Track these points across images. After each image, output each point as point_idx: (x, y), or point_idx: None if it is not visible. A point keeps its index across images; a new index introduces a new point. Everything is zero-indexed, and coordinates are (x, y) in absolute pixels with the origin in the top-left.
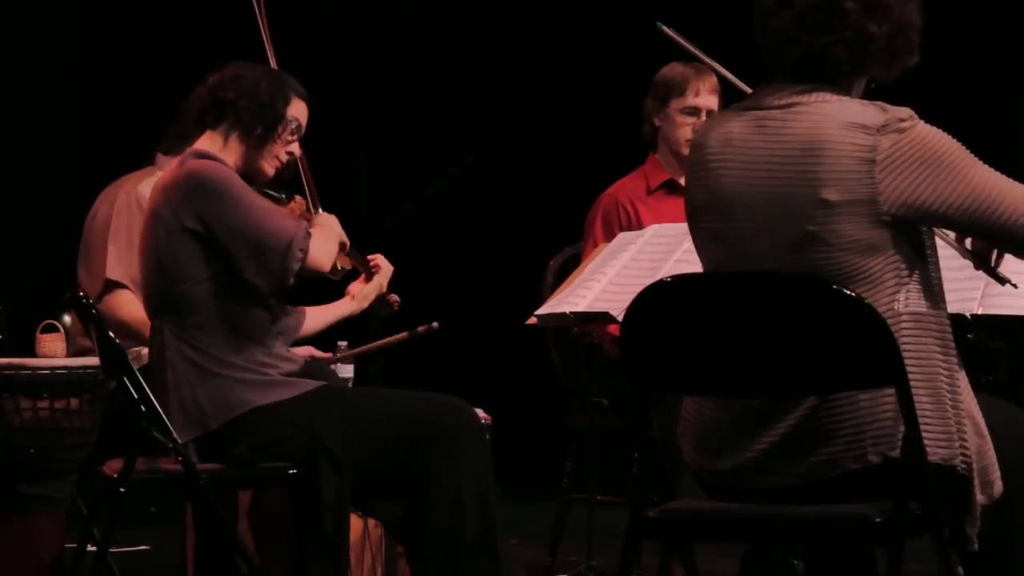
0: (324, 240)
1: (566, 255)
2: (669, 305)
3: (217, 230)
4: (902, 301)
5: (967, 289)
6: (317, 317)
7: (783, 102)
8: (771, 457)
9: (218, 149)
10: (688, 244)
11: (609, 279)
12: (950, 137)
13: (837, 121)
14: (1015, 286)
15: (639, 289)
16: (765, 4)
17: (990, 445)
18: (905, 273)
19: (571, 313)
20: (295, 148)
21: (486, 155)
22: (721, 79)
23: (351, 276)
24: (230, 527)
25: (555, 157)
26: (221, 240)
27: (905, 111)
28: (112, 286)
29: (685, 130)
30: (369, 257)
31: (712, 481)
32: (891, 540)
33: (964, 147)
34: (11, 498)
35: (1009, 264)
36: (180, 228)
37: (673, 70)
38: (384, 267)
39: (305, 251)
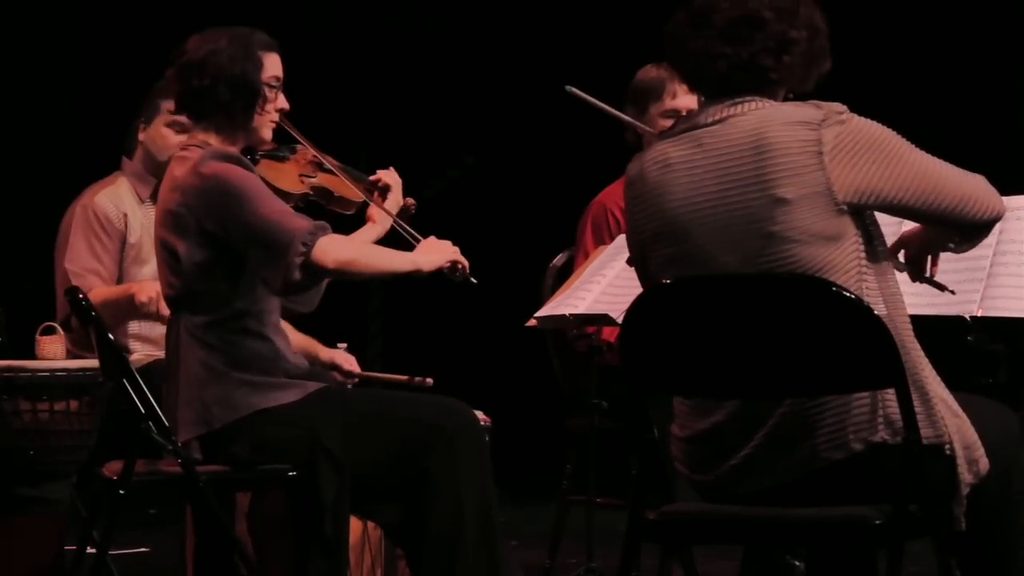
0: (344, 241)
1: (566, 257)
2: (668, 307)
3: (234, 232)
4: (865, 285)
5: (967, 292)
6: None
7: (717, 117)
8: (757, 459)
9: (214, 138)
10: None
11: (609, 281)
12: (886, 127)
13: (777, 121)
14: (952, 292)
15: (638, 291)
16: (680, 31)
17: (968, 424)
18: (864, 260)
19: (571, 315)
20: (282, 102)
21: (486, 157)
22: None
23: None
24: (229, 529)
25: (555, 159)
26: (237, 242)
27: (839, 105)
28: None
29: None
30: (373, 177)
31: (707, 493)
32: (891, 542)
33: (902, 136)
34: (11, 500)
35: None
36: (199, 230)
37: (648, 74)
38: (394, 183)
39: (310, 246)
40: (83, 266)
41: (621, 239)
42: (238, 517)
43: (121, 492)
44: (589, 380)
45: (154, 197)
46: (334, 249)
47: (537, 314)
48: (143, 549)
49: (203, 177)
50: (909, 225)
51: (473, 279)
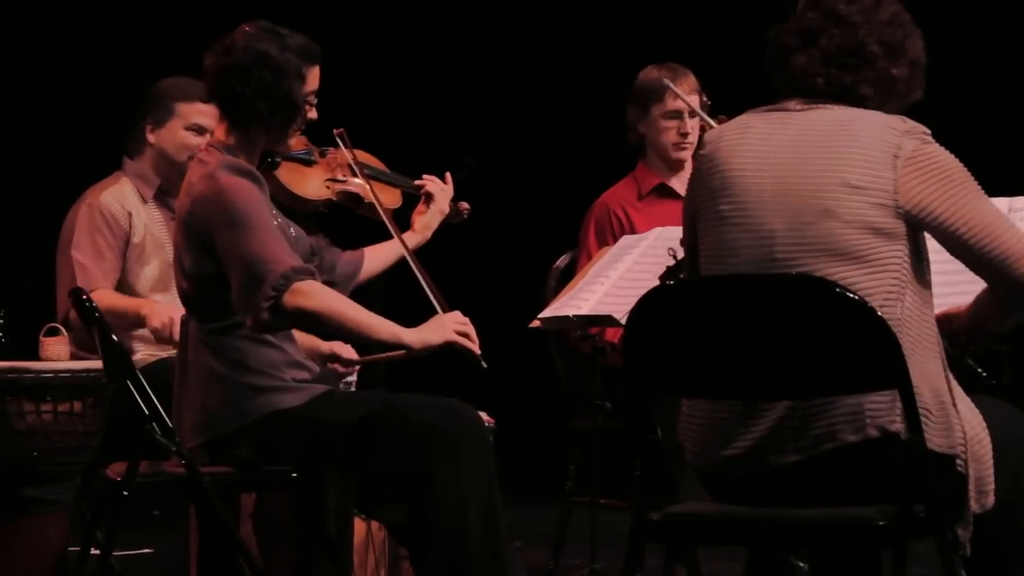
0: (323, 291)
1: (569, 258)
2: (673, 308)
3: (221, 254)
4: (905, 293)
5: (969, 293)
6: (379, 256)
7: (805, 107)
8: (772, 434)
9: (239, 139)
10: None
11: (612, 282)
12: (962, 164)
13: (865, 119)
14: (984, 374)
15: (642, 292)
16: (787, 43)
17: (990, 457)
18: (907, 269)
19: (574, 316)
20: (312, 114)
21: (488, 158)
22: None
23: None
24: (233, 530)
25: (559, 160)
26: (223, 264)
27: (924, 127)
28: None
29: (670, 134)
30: (418, 182)
31: (714, 473)
32: (894, 543)
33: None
34: (14, 501)
35: None
36: (201, 243)
37: (649, 75)
38: (437, 191)
39: (282, 289)
40: (90, 261)
41: (625, 240)
42: (243, 518)
43: (125, 493)
44: (593, 381)
45: (158, 197)
46: (309, 296)
47: (540, 315)
48: (147, 550)
49: (212, 189)
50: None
51: (484, 363)
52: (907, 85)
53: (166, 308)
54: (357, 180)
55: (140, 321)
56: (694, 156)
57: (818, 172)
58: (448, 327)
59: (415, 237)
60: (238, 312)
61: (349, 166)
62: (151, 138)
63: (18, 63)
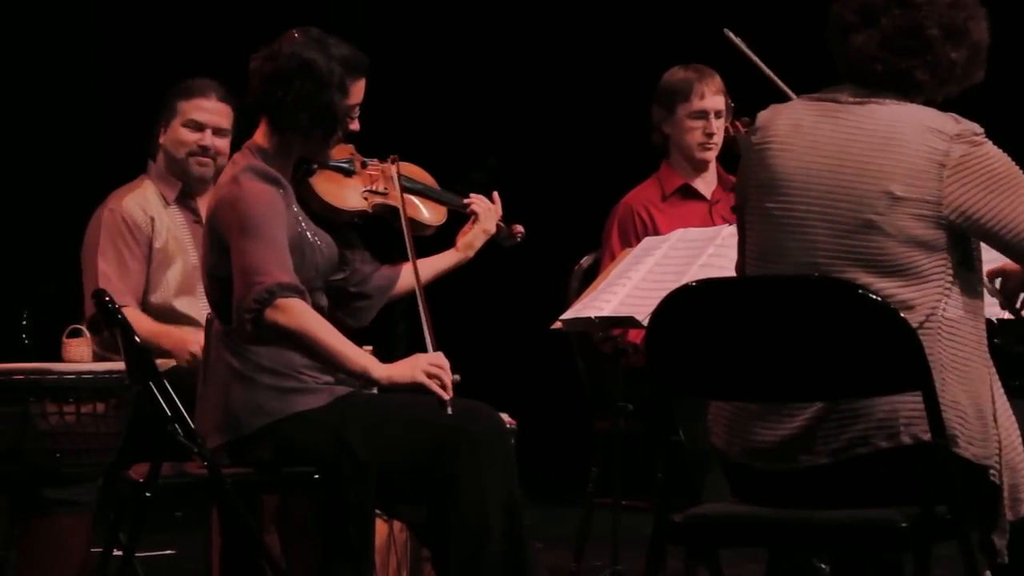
0: (305, 312)
1: (592, 259)
2: (695, 310)
3: (232, 268)
4: (947, 302)
5: (993, 294)
6: (420, 271)
7: (858, 99)
8: (805, 434)
9: (275, 143)
10: (714, 248)
11: (635, 284)
12: (1012, 162)
13: (913, 122)
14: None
15: (665, 294)
16: (848, 19)
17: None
18: (951, 276)
19: (596, 318)
20: (355, 125)
21: (510, 159)
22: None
23: (459, 221)
24: (255, 532)
25: (582, 161)
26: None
27: (977, 127)
28: None
29: (695, 134)
30: (467, 200)
31: (741, 463)
32: (917, 545)
33: None
34: (37, 502)
35: None
36: (221, 246)
37: (675, 75)
38: (483, 211)
39: (265, 303)
40: (114, 272)
41: (647, 241)
42: (265, 520)
43: (147, 494)
44: (615, 382)
45: (180, 199)
46: (288, 313)
47: (563, 316)
48: (169, 552)
49: (232, 193)
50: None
51: (449, 410)
52: (965, 69)
53: (185, 340)
54: (397, 194)
55: (160, 352)
56: (742, 139)
57: (863, 181)
58: (420, 367)
59: (456, 255)
60: (232, 316)
61: (391, 179)
62: (161, 140)
63: (41, 67)
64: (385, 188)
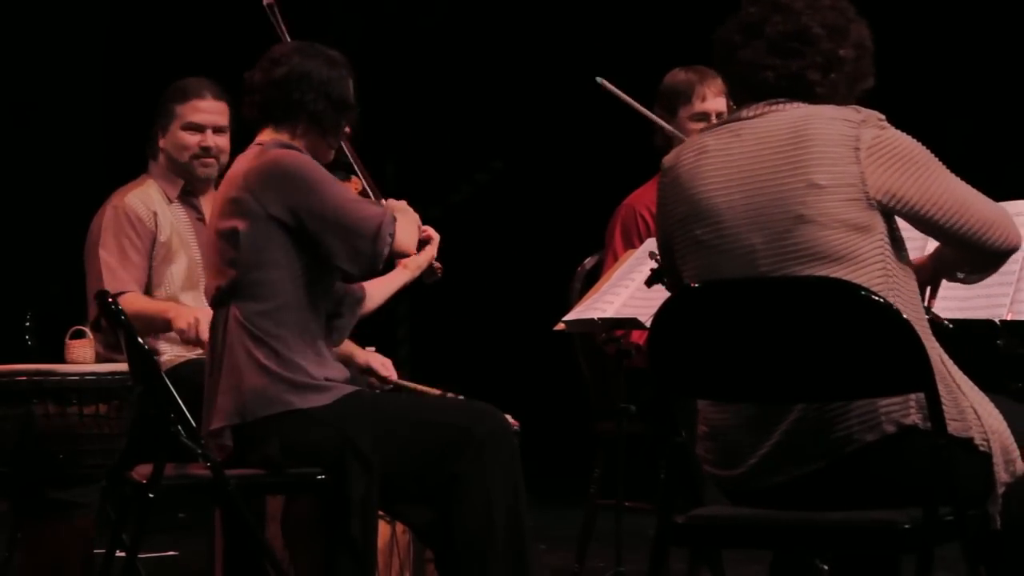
0: (407, 223)
1: (595, 260)
2: (697, 311)
3: (306, 219)
4: (888, 281)
5: (996, 295)
6: (377, 290)
7: (758, 112)
8: (788, 444)
9: (286, 141)
10: None
11: (637, 285)
12: (920, 144)
13: (819, 115)
14: (950, 325)
15: (667, 295)
16: (732, 39)
17: (1006, 427)
18: (891, 256)
19: (599, 319)
20: (347, 127)
21: (514, 161)
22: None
23: None
24: (258, 533)
25: (584, 162)
26: (310, 228)
27: (878, 113)
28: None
29: None
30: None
31: (735, 489)
32: (920, 547)
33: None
34: (40, 504)
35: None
36: (265, 215)
37: (676, 77)
38: (433, 236)
39: (393, 235)
40: (116, 261)
41: (650, 243)
42: (268, 520)
43: (150, 496)
44: (617, 384)
45: (182, 197)
46: (409, 235)
47: (565, 318)
48: (172, 553)
49: (266, 163)
50: (932, 244)
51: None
52: (855, 68)
53: (191, 309)
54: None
55: (166, 325)
56: (657, 185)
57: (784, 179)
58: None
59: (406, 273)
60: (343, 264)
61: (363, 192)
62: (161, 143)
63: (44, 67)
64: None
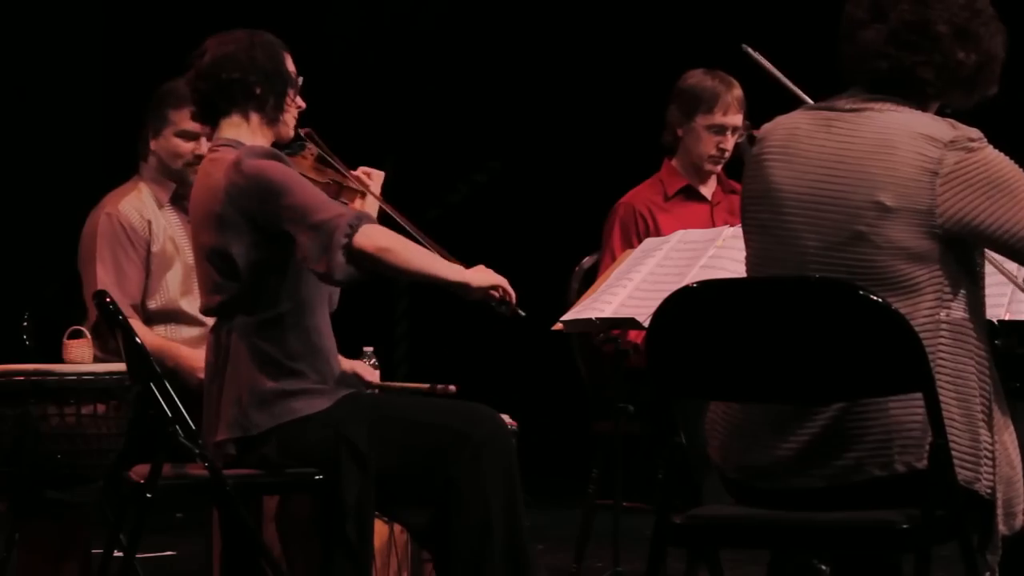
0: (387, 231)
1: (592, 260)
2: (695, 311)
3: (284, 222)
4: (942, 315)
5: (994, 296)
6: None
7: (855, 106)
8: (798, 458)
9: (245, 133)
10: (715, 250)
11: (635, 285)
12: (1015, 164)
13: (906, 129)
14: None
15: (665, 295)
16: (858, 16)
17: (1020, 478)
18: (948, 288)
19: (597, 319)
20: (300, 101)
21: (512, 161)
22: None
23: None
24: (256, 533)
25: (581, 163)
26: (287, 229)
27: (975, 132)
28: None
29: (709, 146)
30: (355, 173)
31: (737, 479)
32: (918, 547)
33: None
34: (38, 504)
35: None
36: (253, 228)
37: (702, 83)
38: (375, 174)
39: (354, 230)
40: (111, 278)
41: (648, 242)
42: (265, 521)
43: (148, 496)
44: (615, 384)
45: (174, 201)
46: (377, 235)
47: (563, 318)
48: (170, 553)
49: (247, 177)
50: None
51: (521, 311)
52: (974, 76)
53: (193, 363)
54: (329, 169)
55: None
56: (748, 154)
57: (854, 190)
58: (493, 274)
59: None
60: (310, 264)
61: (319, 158)
62: (152, 145)
63: (40, 68)
64: (322, 167)
